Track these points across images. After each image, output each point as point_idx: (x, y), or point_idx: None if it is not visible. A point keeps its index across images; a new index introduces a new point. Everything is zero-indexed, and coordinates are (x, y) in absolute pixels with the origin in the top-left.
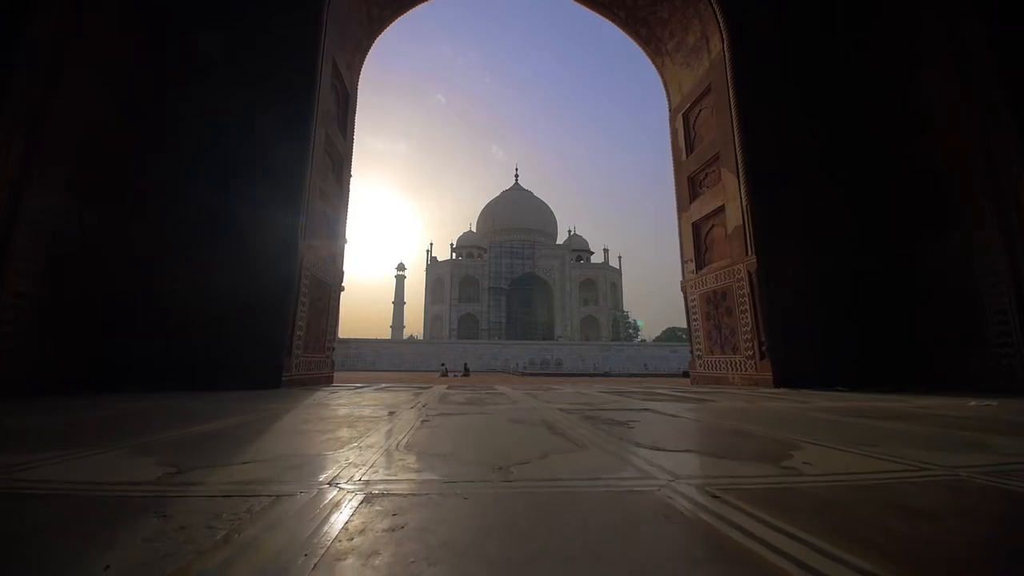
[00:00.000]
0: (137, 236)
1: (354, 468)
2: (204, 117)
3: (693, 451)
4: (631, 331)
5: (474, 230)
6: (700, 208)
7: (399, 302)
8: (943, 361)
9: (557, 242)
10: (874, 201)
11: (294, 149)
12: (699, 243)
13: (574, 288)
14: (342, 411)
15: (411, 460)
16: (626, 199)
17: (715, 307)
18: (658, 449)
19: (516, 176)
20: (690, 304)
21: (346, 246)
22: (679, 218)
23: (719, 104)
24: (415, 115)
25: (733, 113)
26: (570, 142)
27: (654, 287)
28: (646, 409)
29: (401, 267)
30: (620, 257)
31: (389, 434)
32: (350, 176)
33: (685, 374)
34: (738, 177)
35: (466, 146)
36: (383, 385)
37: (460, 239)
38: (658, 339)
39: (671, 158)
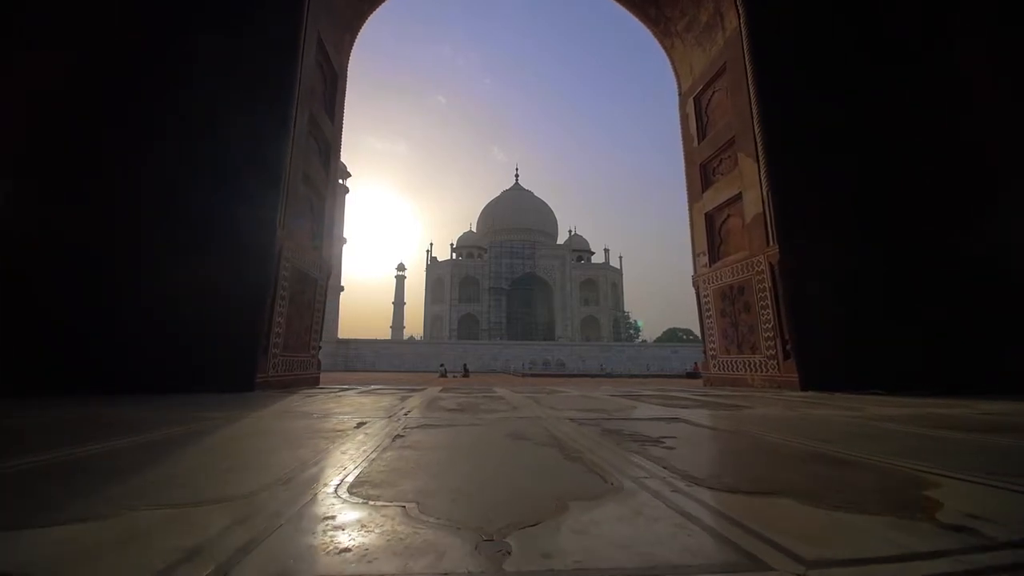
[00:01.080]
0: (97, 229)
1: (237, 537)
2: (167, 85)
3: (784, 494)
4: (631, 331)
5: (474, 230)
6: (714, 197)
7: (399, 302)
8: (985, 361)
9: (557, 242)
10: (908, 186)
11: (272, 124)
12: (713, 235)
13: (575, 288)
14: (301, 423)
15: (344, 518)
16: (626, 199)
17: (731, 303)
18: (731, 491)
19: (516, 176)
20: (703, 300)
21: (344, 246)
22: (690, 209)
23: (735, 84)
24: (415, 116)
25: (751, 92)
26: (570, 142)
27: (654, 287)
28: (675, 419)
29: (401, 267)
30: (621, 257)
31: (340, 460)
32: (339, 162)
33: (690, 375)
34: (757, 161)
35: (466, 147)
36: (373, 387)
37: (460, 239)
38: (658, 340)
39: (681, 148)
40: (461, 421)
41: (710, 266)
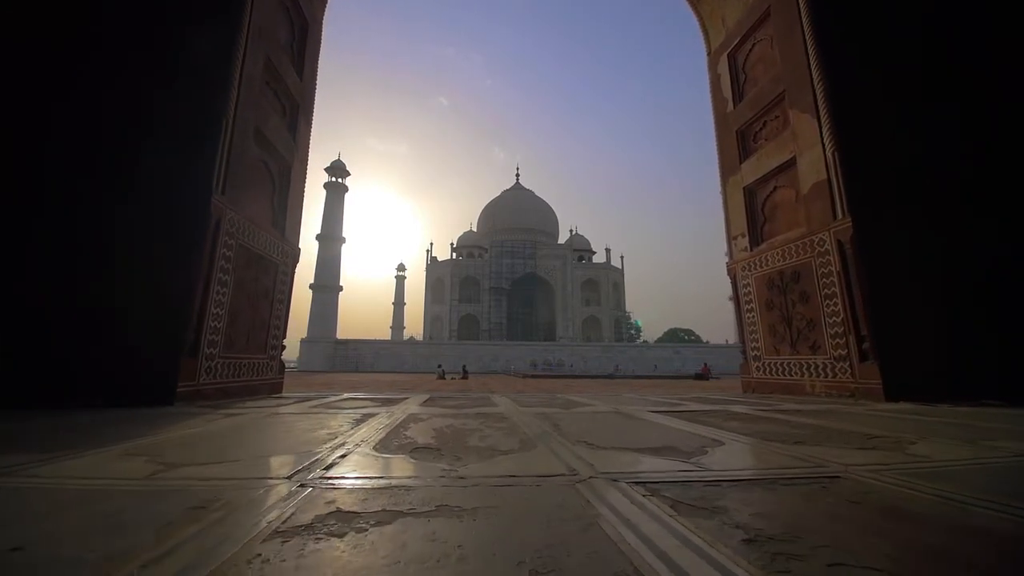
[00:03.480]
0: None
1: None
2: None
3: None
4: (632, 332)
5: (475, 230)
6: (756, 167)
7: (399, 303)
8: None
9: (558, 242)
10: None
11: (207, 55)
12: (754, 212)
13: (576, 288)
14: (64, 517)
15: None
16: (627, 199)
17: (782, 293)
18: None
19: (517, 175)
20: (742, 291)
21: (344, 245)
22: (724, 184)
23: (784, 29)
24: (417, 117)
25: (807, 33)
26: (572, 142)
27: (655, 287)
28: (836, 477)
29: (401, 267)
30: (622, 257)
31: None
32: (309, 128)
33: (698, 376)
34: (817, 116)
35: (468, 148)
36: (345, 396)
37: (460, 239)
38: (659, 340)
39: (711, 115)
40: (419, 497)
41: (751, 250)
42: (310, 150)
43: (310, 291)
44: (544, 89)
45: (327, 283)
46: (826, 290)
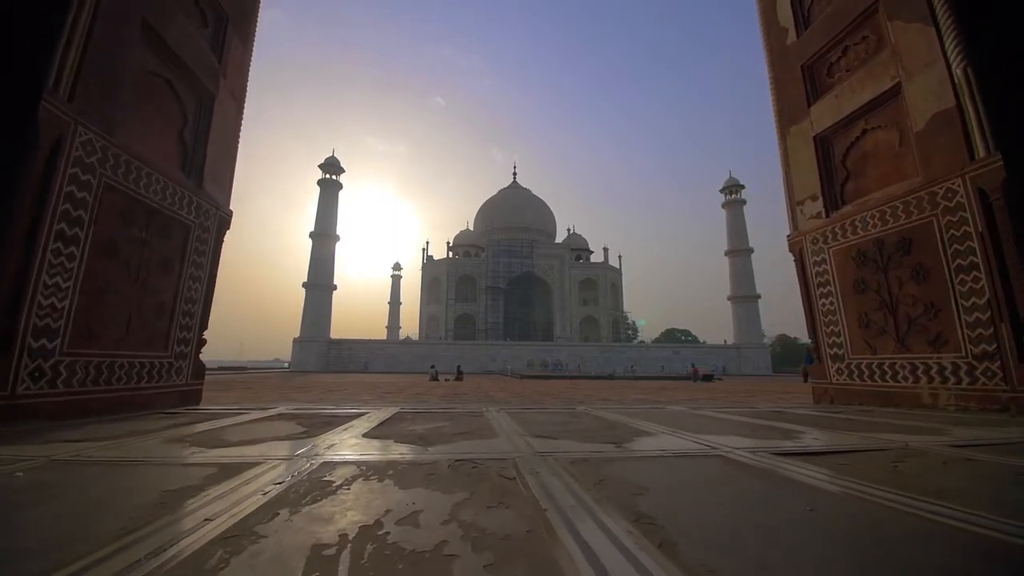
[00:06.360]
0: None
1: None
2: None
3: None
4: (630, 332)
5: (471, 228)
6: (834, 108)
7: (395, 302)
8: None
9: (556, 241)
10: None
11: None
12: (831, 167)
13: (574, 288)
14: None
15: None
16: (625, 199)
17: (880, 269)
18: None
19: (514, 174)
20: (814, 270)
21: (338, 244)
22: (783, 136)
23: None
24: (416, 117)
25: None
26: (569, 142)
27: (653, 288)
28: None
29: (397, 267)
30: (620, 257)
31: None
32: (248, 54)
33: (706, 377)
34: (935, 22)
35: (465, 147)
36: (273, 411)
37: (457, 237)
38: (656, 340)
39: (763, 54)
40: None
41: (827, 216)
42: (309, 142)
43: (303, 289)
44: (542, 89)
45: (321, 281)
46: (959, 261)
